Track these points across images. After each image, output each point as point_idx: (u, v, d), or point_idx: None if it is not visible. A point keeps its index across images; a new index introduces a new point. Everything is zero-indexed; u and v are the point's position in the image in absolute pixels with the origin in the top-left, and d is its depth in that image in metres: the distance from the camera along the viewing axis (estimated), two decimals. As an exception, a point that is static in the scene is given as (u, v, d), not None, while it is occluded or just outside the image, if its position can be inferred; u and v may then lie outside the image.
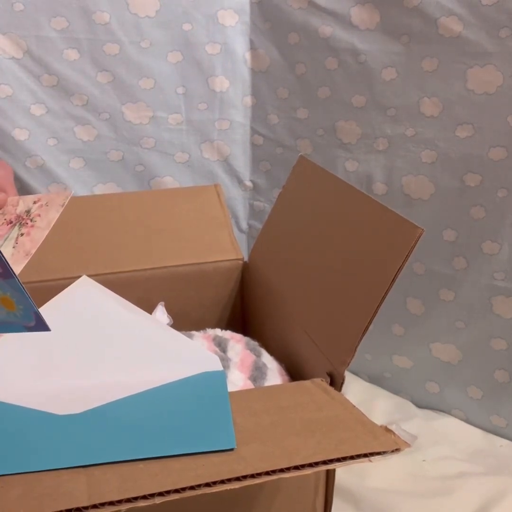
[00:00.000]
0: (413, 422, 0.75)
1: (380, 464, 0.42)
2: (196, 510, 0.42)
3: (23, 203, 0.49)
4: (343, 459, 0.33)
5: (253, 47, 0.79)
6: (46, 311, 0.43)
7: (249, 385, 0.50)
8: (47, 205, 0.47)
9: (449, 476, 0.66)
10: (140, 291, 0.61)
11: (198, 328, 0.59)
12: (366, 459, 0.34)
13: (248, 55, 0.80)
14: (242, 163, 0.86)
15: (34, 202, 0.48)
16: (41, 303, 0.49)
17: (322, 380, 0.44)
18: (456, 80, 0.64)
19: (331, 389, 0.43)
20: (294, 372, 0.54)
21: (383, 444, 0.34)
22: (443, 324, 0.73)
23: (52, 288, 0.53)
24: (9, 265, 0.33)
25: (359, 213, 0.49)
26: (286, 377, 0.54)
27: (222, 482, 0.32)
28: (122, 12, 0.74)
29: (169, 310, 0.58)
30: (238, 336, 0.58)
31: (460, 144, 0.66)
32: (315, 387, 0.43)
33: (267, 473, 0.32)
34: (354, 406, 0.40)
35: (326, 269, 0.51)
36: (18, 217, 0.48)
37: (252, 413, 0.39)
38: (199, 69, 0.79)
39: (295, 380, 0.51)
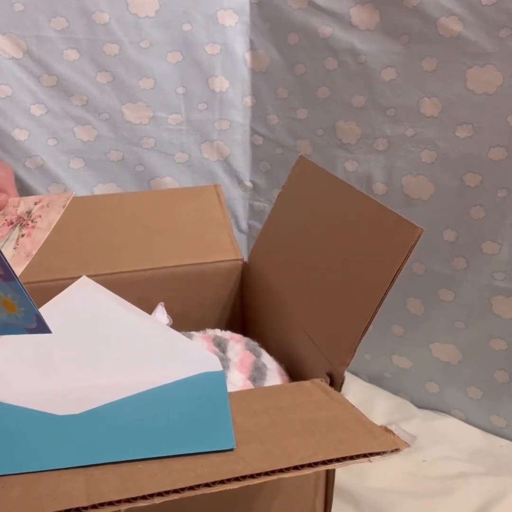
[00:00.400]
0: (412, 422, 0.75)
1: (379, 464, 0.42)
2: (196, 510, 0.42)
3: (24, 204, 0.49)
4: (343, 459, 0.33)
5: (253, 47, 0.79)
6: (46, 311, 0.43)
7: (249, 385, 0.50)
8: (48, 206, 0.47)
9: (449, 476, 0.66)
10: (140, 291, 0.61)
11: (197, 329, 0.59)
12: (366, 459, 0.34)
13: (248, 55, 0.80)
14: (242, 163, 0.86)
15: (35, 203, 0.48)
16: (41, 304, 0.49)
17: (321, 380, 0.44)
18: (456, 80, 0.64)
19: (330, 389, 0.43)
20: (294, 372, 0.54)
21: (382, 444, 0.34)
22: (443, 324, 0.73)
23: (52, 289, 0.52)
24: (10, 267, 0.33)
25: (359, 213, 0.49)
26: (286, 378, 0.54)
27: (222, 482, 0.32)
28: (121, 12, 0.74)
29: (169, 311, 0.58)
30: (238, 336, 0.58)
31: (460, 144, 0.66)
32: (314, 387, 0.43)
33: (267, 473, 0.32)
34: (354, 406, 0.40)
35: (326, 269, 0.51)
36: (19, 218, 0.48)
37: (252, 413, 0.39)
38: (199, 69, 0.79)
39: (295, 381, 0.51)
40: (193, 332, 0.58)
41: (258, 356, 0.54)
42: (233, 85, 0.81)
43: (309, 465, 0.33)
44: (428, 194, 0.70)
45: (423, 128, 0.68)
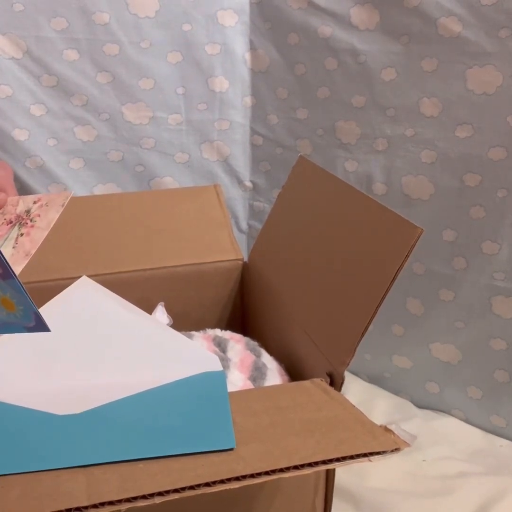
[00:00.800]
0: (412, 422, 0.75)
1: (379, 464, 0.42)
2: (196, 510, 0.42)
3: (23, 203, 0.49)
4: (343, 459, 0.33)
5: (252, 48, 0.79)
6: (46, 311, 0.43)
7: (249, 385, 0.50)
8: (47, 205, 0.47)
9: (449, 476, 0.66)
10: (140, 291, 0.61)
11: (198, 328, 0.59)
12: (366, 459, 0.34)
13: (247, 56, 0.80)
14: (242, 163, 0.86)
15: (34, 202, 0.48)
16: (41, 303, 0.49)
17: (321, 380, 0.44)
18: (456, 80, 0.64)
19: (330, 389, 0.43)
20: (294, 372, 0.54)
21: (382, 444, 0.34)
22: (443, 324, 0.73)
23: (52, 288, 0.52)
24: (9, 265, 0.33)
25: (359, 213, 0.49)
26: (286, 377, 0.54)
27: (222, 482, 0.32)
28: (121, 12, 0.74)
29: (169, 310, 0.58)
30: (238, 336, 0.58)
31: (459, 144, 0.66)
32: (314, 387, 0.43)
33: (267, 473, 0.32)
34: (354, 406, 0.40)
35: (326, 269, 0.51)
36: (18, 217, 0.48)
37: (252, 413, 0.39)
38: (199, 70, 0.79)
39: (295, 380, 0.51)
40: (193, 332, 0.58)
41: (258, 356, 0.54)
42: (233, 85, 0.81)
43: (309, 465, 0.33)
44: (428, 194, 0.70)
45: (423, 128, 0.68)
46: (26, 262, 0.44)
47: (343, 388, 0.45)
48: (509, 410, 0.71)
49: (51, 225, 0.45)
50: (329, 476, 0.47)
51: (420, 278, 0.73)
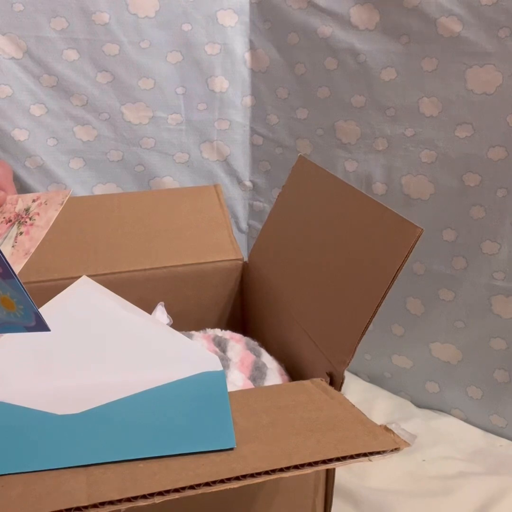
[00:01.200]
0: (412, 422, 0.75)
1: (379, 464, 0.42)
2: (196, 509, 0.42)
3: (22, 201, 0.49)
4: (343, 458, 0.33)
5: (252, 47, 0.79)
6: (46, 311, 0.43)
7: (249, 385, 0.50)
8: (46, 204, 0.47)
9: (449, 476, 0.66)
10: (140, 291, 0.61)
11: (198, 328, 0.59)
12: (366, 458, 0.34)
13: (247, 56, 0.80)
14: (241, 163, 0.86)
15: (33, 201, 0.48)
16: (41, 303, 0.49)
17: (321, 380, 0.44)
18: (456, 80, 0.64)
19: (330, 388, 0.43)
20: (294, 372, 0.54)
21: (382, 443, 0.34)
22: (443, 324, 0.73)
23: (52, 288, 0.53)
24: (9, 265, 0.33)
25: (359, 213, 0.49)
26: (286, 377, 0.54)
27: (222, 481, 0.32)
28: (121, 12, 0.74)
29: (169, 310, 0.58)
30: (238, 336, 0.58)
31: (459, 144, 0.66)
32: (314, 387, 0.43)
33: (267, 473, 0.32)
34: (354, 406, 0.40)
35: (326, 269, 0.51)
36: (17, 215, 0.48)
37: (252, 413, 0.39)
38: (199, 69, 0.79)
39: (295, 380, 0.51)
40: (193, 332, 0.58)
41: (258, 355, 0.54)
42: (233, 85, 0.81)
43: (309, 465, 0.33)
44: (428, 194, 0.70)
45: (422, 128, 0.68)
46: (26, 261, 0.44)
47: (343, 388, 0.45)
48: (509, 410, 0.71)
49: (50, 224, 0.45)
50: (329, 475, 0.47)
51: (420, 278, 0.73)
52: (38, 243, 0.44)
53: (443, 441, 0.72)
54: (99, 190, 0.83)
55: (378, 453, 0.34)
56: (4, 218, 0.49)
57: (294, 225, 0.59)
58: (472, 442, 0.72)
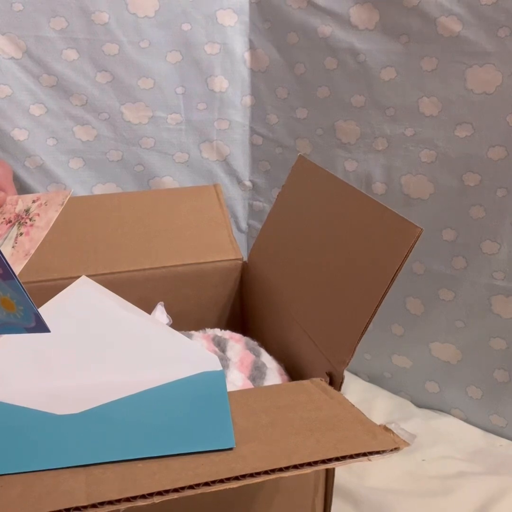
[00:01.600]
0: (412, 421, 0.75)
1: (379, 464, 0.42)
2: (196, 509, 0.42)
3: (22, 202, 0.49)
4: (342, 458, 0.33)
5: (252, 47, 0.79)
6: (45, 311, 0.43)
7: (249, 384, 0.50)
8: (46, 204, 0.47)
9: (449, 475, 0.66)
10: (139, 291, 0.61)
11: (197, 328, 0.59)
12: (365, 458, 0.33)
13: (247, 55, 0.80)
14: (241, 163, 0.86)
15: (33, 201, 0.48)
16: (41, 303, 0.49)
17: (321, 380, 0.44)
18: (455, 79, 0.64)
19: (330, 388, 0.43)
20: (294, 371, 0.54)
21: (382, 443, 0.34)
22: (443, 324, 0.73)
23: (51, 288, 0.53)
24: (9, 266, 0.32)
25: (358, 213, 0.49)
26: (285, 377, 0.54)
27: (221, 481, 0.32)
28: (121, 12, 0.74)
29: (169, 310, 0.58)
30: (238, 336, 0.58)
31: (459, 143, 0.66)
32: (314, 386, 0.43)
33: (266, 472, 0.32)
34: (353, 406, 0.40)
35: (326, 269, 0.51)
36: (17, 216, 0.48)
37: (251, 413, 0.39)
38: (198, 69, 0.79)
39: (295, 380, 0.51)
40: (192, 332, 0.58)
41: (257, 355, 0.54)
42: (233, 84, 0.81)
43: (309, 464, 0.33)
44: (428, 194, 0.70)
45: (422, 127, 0.68)
46: (26, 261, 0.44)
47: (343, 388, 0.44)
48: (508, 410, 0.71)
49: (51, 224, 0.45)
50: (329, 475, 0.47)
51: (420, 278, 0.73)
52: (38, 244, 0.44)
53: (443, 441, 0.72)
54: (98, 190, 0.83)
55: (378, 453, 0.34)
56: (4, 218, 0.49)
57: (293, 225, 0.59)
58: (472, 442, 0.72)
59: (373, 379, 0.84)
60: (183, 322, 0.58)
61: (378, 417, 0.76)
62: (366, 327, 0.43)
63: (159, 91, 0.79)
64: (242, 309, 0.70)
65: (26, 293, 0.34)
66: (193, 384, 0.44)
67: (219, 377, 0.45)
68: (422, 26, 0.65)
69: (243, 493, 0.43)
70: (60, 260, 0.61)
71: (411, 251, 0.41)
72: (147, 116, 0.80)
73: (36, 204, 0.48)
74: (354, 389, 0.82)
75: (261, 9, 0.77)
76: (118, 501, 0.30)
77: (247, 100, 0.82)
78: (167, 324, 0.56)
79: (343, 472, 0.64)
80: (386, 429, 0.36)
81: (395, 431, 0.36)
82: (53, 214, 0.46)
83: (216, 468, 0.33)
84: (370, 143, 0.73)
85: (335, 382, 0.45)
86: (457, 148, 0.66)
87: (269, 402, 0.41)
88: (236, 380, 0.50)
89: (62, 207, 0.46)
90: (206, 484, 0.31)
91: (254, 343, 0.57)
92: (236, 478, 0.32)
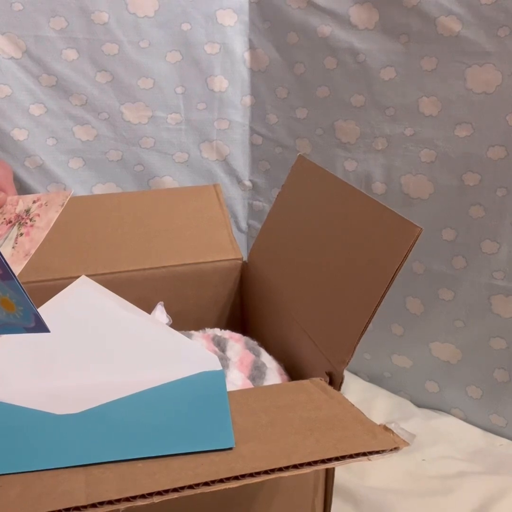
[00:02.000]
0: (412, 421, 0.75)
1: (379, 464, 0.42)
2: (195, 509, 0.42)
3: (23, 202, 0.49)
4: (342, 458, 0.33)
5: (252, 47, 0.79)
6: (45, 311, 0.43)
7: (248, 384, 0.50)
8: (47, 205, 0.47)
9: (449, 475, 0.66)
10: (139, 291, 0.61)
11: (197, 328, 0.59)
12: (365, 458, 0.33)
13: (247, 55, 0.80)
14: (241, 163, 0.86)
15: (34, 202, 0.48)
16: (41, 303, 0.49)
17: (321, 380, 0.44)
18: (455, 79, 0.64)
19: (330, 388, 0.43)
20: (293, 371, 0.54)
21: (382, 443, 0.34)
22: (443, 324, 0.73)
23: (51, 288, 0.53)
24: (9, 266, 0.33)
25: (358, 212, 0.49)
26: (285, 377, 0.54)
27: (221, 481, 0.32)
28: (121, 12, 0.74)
29: (168, 310, 0.58)
30: (237, 335, 0.58)
31: (459, 143, 0.66)
32: (314, 386, 0.43)
33: (266, 472, 0.32)
34: (353, 405, 0.40)
35: (325, 269, 0.51)
36: (18, 216, 0.48)
37: (251, 412, 0.39)
38: (198, 69, 0.79)
39: (294, 380, 0.51)
40: (192, 332, 0.58)
41: (257, 355, 0.54)
42: (232, 84, 0.81)
43: (309, 464, 0.33)
44: (427, 193, 0.70)
45: (422, 127, 0.68)
46: (26, 262, 0.44)
47: (343, 387, 0.45)
48: (508, 410, 0.71)
49: (51, 225, 0.45)
50: (329, 475, 0.47)
51: (419, 278, 0.73)
52: (38, 245, 0.44)
53: (442, 440, 0.72)
54: (98, 189, 0.83)
55: (378, 452, 0.34)
56: (4, 219, 0.49)
57: (293, 225, 0.59)
58: (472, 442, 0.72)
59: (373, 379, 0.84)
60: (183, 322, 0.58)
61: (378, 416, 0.76)
62: (366, 327, 0.43)
63: (159, 91, 0.79)
64: (242, 309, 0.70)
65: (26, 294, 0.34)
66: (192, 384, 0.44)
67: (219, 377, 0.45)
68: (422, 26, 0.65)
69: (242, 493, 0.43)
70: (60, 260, 0.61)
71: (411, 250, 0.41)
72: (147, 116, 0.80)
73: (36, 204, 0.48)
74: (354, 388, 0.82)
75: (261, 9, 0.77)
76: (118, 501, 0.30)
77: (247, 100, 0.82)
78: (167, 324, 0.56)
79: (343, 472, 0.64)
80: (386, 428, 0.36)
81: (395, 431, 0.36)
82: (53, 215, 0.46)
83: (216, 468, 0.33)
84: (370, 143, 0.73)
85: (335, 381, 0.45)
86: (457, 148, 0.66)
87: (269, 401, 0.41)
88: (236, 380, 0.50)
89: (63, 208, 0.46)
90: (206, 484, 0.31)
91: (254, 343, 0.57)
92: (236, 478, 0.32)
